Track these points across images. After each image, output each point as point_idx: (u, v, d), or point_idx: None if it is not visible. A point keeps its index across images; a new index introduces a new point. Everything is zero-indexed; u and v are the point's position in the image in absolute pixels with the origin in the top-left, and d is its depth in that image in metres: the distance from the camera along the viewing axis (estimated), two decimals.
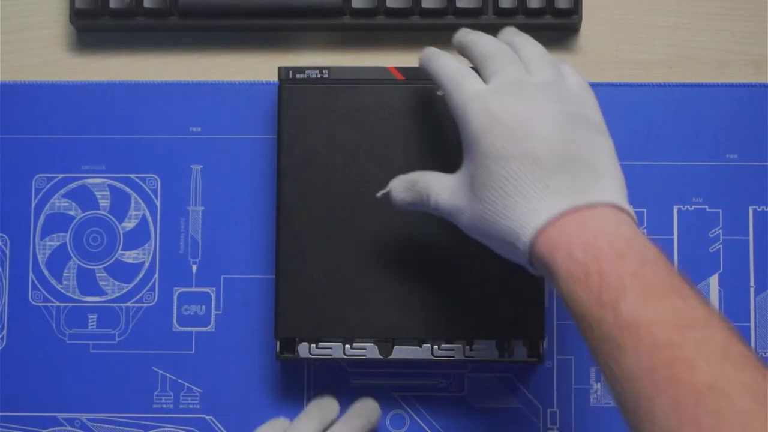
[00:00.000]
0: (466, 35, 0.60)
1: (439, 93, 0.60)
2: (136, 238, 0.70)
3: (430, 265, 0.65)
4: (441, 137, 0.65)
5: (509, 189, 0.53)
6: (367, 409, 0.67)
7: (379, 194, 0.62)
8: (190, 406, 0.69)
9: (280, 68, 0.67)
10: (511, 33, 0.61)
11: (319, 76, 0.67)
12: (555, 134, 0.54)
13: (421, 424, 0.69)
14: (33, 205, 0.70)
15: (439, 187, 0.58)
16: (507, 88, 0.56)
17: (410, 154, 0.66)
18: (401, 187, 0.61)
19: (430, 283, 0.65)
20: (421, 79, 0.65)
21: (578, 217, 0.52)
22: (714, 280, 0.69)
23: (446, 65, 0.59)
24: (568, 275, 0.51)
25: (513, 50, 0.59)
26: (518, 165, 0.53)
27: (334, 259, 0.65)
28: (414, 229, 0.65)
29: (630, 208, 0.54)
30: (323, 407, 0.67)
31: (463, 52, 0.61)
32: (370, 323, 0.65)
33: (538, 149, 0.54)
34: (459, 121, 0.57)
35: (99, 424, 0.69)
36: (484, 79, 0.57)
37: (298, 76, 0.67)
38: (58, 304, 0.70)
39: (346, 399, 0.68)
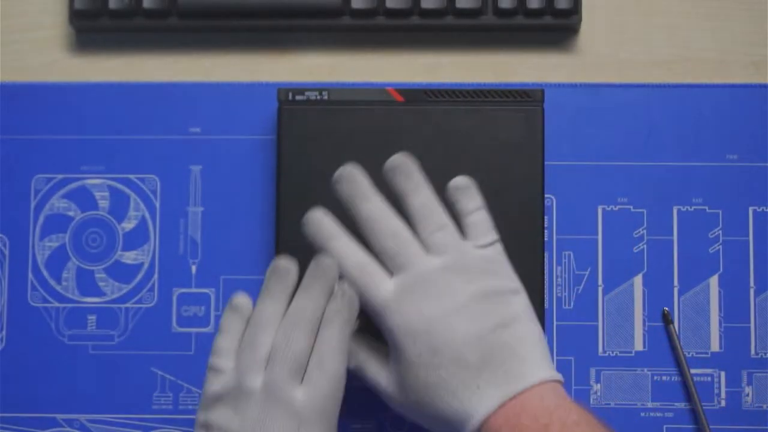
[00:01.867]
0: (369, 210, 0.60)
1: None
2: (136, 238, 0.70)
3: None
4: (440, 158, 0.65)
5: (441, 392, 0.57)
6: (325, 270, 0.60)
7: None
8: (190, 407, 0.69)
9: (279, 89, 0.67)
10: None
11: (318, 97, 0.67)
12: (473, 330, 0.57)
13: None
14: (32, 205, 0.70)
15: (368, 355, 0.61)
16: (413, 288, 0.58)
17: None
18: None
19: None
20: (420, 100, 0.65)
21: (507, 409, 0.56)
22: (714, 281, 0.69)
23: (347, 258, 0.60)
24: None
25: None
26: (446, 372, 0.57)
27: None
28: None
29: (552, 372, 0.58)
30: (282, 279, 0.60)
31: (365, 228, 0.60)
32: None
33: (462, 352, 0.57)
34: (376, 323, 0.59)
35: (98, 425, 0.69)
36: (390, 270, 0.59)
37: (297, 97, 0.67)
38: (57, 304, 0.70)
39: (345, 399, 0.68)
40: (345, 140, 0.66)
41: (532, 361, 0.57)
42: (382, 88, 0.67)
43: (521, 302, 0.60)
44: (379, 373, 0.60)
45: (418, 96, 0.66)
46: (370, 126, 0.66)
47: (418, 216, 0.60)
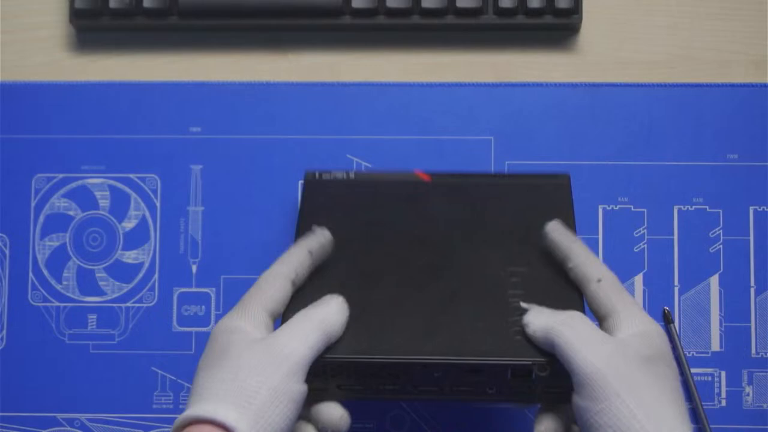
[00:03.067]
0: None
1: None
2: (136, 238, 0.70)
3: (448, 288, 0.59)
4: (469, 238, 0.61)
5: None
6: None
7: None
8: None
9: (306, 172, 0.66)
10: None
11: (345, 178, 0.66)
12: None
13: (421, 424, 0.69)
14: (33, 205, 0.70)
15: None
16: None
17: (439, 255, 0.60)
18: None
19: (449, 305, 0.58)
20: (447, 178, 0.65)
21: None
22: (714, 281, 0.69)
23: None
24: None
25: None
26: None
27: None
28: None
29: None
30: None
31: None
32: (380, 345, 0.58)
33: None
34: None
35: (99, 425, 0.69)
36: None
37: (324, 177, 0.66)
38: (57, 304, 0.70)
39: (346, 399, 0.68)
40: (370, 220, 0.62)
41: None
42: (410, 171, 0.66)
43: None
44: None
45: (445, 177, 0.65)
46: (396, 206, 0.63)
47: None
